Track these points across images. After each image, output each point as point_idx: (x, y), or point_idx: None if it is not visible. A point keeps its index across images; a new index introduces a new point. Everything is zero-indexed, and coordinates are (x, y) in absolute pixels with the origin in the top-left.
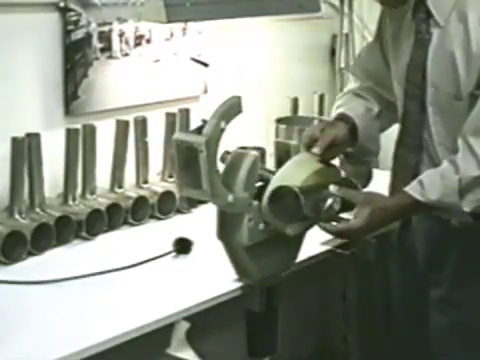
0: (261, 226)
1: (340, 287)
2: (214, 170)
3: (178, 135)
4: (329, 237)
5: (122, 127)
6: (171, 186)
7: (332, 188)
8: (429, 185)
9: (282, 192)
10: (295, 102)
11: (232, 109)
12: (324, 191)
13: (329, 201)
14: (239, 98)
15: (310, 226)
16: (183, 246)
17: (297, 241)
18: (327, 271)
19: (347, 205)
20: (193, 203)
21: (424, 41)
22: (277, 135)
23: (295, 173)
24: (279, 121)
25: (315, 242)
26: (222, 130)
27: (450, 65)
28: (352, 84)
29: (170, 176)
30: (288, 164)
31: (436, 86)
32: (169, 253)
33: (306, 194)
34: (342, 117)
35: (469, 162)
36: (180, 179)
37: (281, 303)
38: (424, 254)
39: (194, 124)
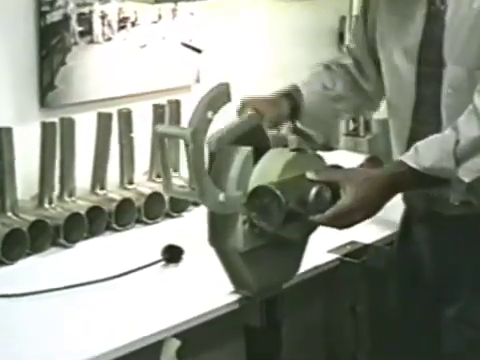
0: (258, 229)
1: (349, 299)
2: (202, 166)
3: (161, 128)
4: (336, 244)
5: (104, 121)
6: (159, 187)
7: (309, 174)
8: (424, 151)
9: (259, 193)
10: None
11: (219, 98)
12: (305, 181)
13: (313, 190)
14: (227, 85)
15: (312, 228)
16: (173, 254)
17: (300, 247)
18: (335, 282)
19: (337, 190)
20: (184, 206)
21: (439, 12)
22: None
23: (268, 169)
24: None
25: (321, 250)
26: (209, 121)
27: (470, 33)
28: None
29: (158, 176)
30: (260, 162)
31: (455, 60)
32: (157, 262)
33: (286, 189)
34: (287, 93)
35: (471, 122)
36: (166, 177)
37: (284, 317)
38: (432, 268)
39: (185, 117)
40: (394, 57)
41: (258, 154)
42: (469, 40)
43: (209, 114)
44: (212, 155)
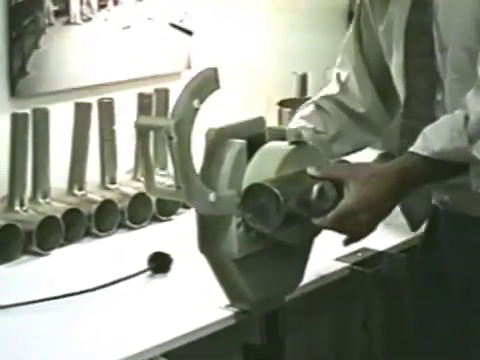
0: (254, 233)
1: (361, 314)
2: (189, 161)
3: (140, 119)
4: (345, 251)
5: (83, 112)
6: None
7: (310, 170)
8: (432, 134)
9: (255, 191)
10: (303, 79)
11: (206, 84)
12: (307, 178)
13: (315, 188)
14: (214, 70)
15: (316, 231)
16: (161, 263)
17: (303, 253)
18: (344, 294)
19: (341, 188)
20: (173, 208)
21: (425, 1)
22: (280, 121)
23: (265, 165)
24: (282, 103)
25: (328, 257)
26: (195, 110)
27: (465, 14)
28: (330, 86)
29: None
30: (255, 157)
31: (456, 45)
32: (143, 272)
33: (285, 186)
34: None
35: (479, 96)
36: (148, 176)
37: (286, 334)
38: (458, 275)
39: None
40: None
41: (253, 148)
42: (465, 21)
43: (195, 103)
44: (209, 148)
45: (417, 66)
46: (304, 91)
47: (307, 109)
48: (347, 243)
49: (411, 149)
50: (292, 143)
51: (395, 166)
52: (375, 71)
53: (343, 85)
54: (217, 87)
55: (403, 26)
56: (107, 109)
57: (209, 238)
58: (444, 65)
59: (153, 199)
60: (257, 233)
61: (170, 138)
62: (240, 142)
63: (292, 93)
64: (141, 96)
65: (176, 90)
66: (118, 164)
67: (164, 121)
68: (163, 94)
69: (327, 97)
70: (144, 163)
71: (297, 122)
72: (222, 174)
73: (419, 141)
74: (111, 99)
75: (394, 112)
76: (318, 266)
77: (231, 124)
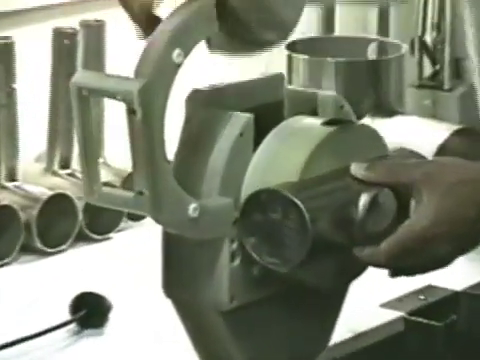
0: (257, 270)
1: None
2: (159, 149)
3: (79, 77)
4: (396, 291)
5: None
6: (68, 185)
7: (356, 169)
8: None
9: (264, 202)
10: (330, 14)
11: (199, 21)
12: (349, 183)
13: (364, 198)
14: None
15: (360, 269)
16: (92, 311)
17: (334, 302)
18: (400, 358)
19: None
20: (112, 221)
21: None
22: (290, 73)
23: (283, 157)
24: (293, 46)
25: (370, 302)
26: (176, 67)
27: None
28: None
29: (65, 166)
30: (266, 142)
31: None
32: (62, 327)
33: (313, 196)
34: None
35: None
36: (89, 171)
37: None
38: None
39: (113, 55)
40: None
41: (262, 127)
42: None
43: (175, 54)
44: (192, 126)
45: None
46: (331, 26)
47: None
48: (397, 274)
49: None
50: (327, 123)
51: None
52: None
53: None
54: (215, 28)
55: None
56: (4, 56)
57: (183, 275)
58: None
59: (78, 206)
60: (263, 270)
61: (131, 112)
62: (243, 116)
63: (311, 31)
64: (58, 33)
65: (116, 21)
66: (21, 148)
67: (122, 83)
68: (96, 31)
69: None
70: (82, 148)
71: None
72: (211, 170)
73: None
74: (10, 39)
75: None
76: (355, 317)
77: (227, 85)
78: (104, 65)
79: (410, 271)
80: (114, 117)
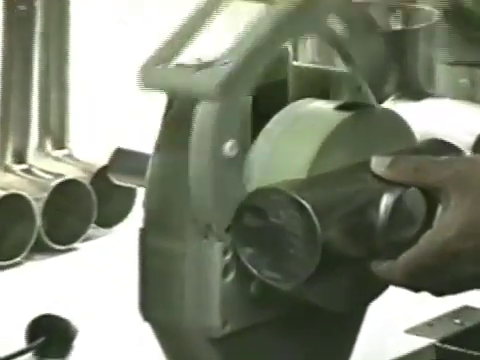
0: (255, 287)
1: None
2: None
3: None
4: (427, 315)
5: None
6: (21, 182)
7: (377, 164)
8: None
9: (263, 204)
10: None
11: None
12: (368, 180)
13: (385, 200)
14: None
15: (380, 288)
16: (53, 337)
17: (349, 326)
18: None
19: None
20: (79, 227)
21: None
22: (295, 47)
23: (288, 148)
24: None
25: (393, 327)
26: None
27: None
28: None
29: (19, 161)
30: (268, 129)
31: None
32: (18, 356)
33: (325, 196)
34: None
35: None
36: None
37: None
38: None
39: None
40: None
41: (263, 111)
42: None
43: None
44: (172, 110)
45: None
46: None
47: None
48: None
49: None
50: (342, 107)
51: None
52: None
53: None
54: None
55: None
56: None
57: (164, 294)
58: None
59: (36, 208)
60: (262, 287)
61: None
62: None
63: None
64: (12, 6)
65: None
66: None
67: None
68: (59, 3)
69: None
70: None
71: None
72: (195, 164)
73: None
74: None
75: None
76: (375, 345)
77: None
78: (68, 37)
79: (432, 292)
80: (81, 103)
